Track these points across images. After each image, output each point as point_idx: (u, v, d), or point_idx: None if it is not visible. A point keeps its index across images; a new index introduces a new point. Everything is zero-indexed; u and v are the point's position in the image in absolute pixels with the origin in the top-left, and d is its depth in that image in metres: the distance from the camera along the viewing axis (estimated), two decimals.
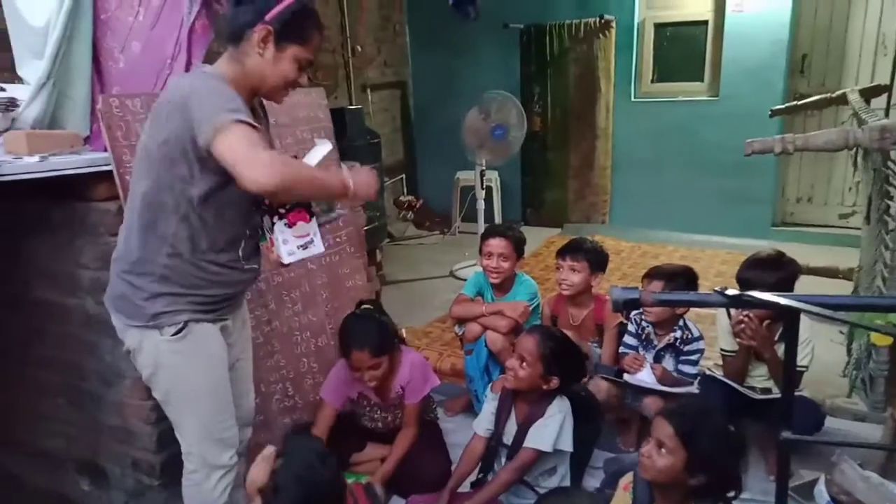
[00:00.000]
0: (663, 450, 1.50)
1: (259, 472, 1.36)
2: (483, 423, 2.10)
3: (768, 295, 1.17)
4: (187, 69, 2.13)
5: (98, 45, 2.16)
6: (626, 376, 2.26)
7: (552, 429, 1.94)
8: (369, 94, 5.62)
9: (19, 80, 2.13)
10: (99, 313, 2.09)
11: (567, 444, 1.96)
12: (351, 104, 4.96)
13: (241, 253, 1.63)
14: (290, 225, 1.56)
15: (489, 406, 2.11)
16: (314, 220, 1.60)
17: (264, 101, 1.71)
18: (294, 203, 1.57)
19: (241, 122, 1.38)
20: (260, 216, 1.62)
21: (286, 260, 1.59)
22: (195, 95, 1.42)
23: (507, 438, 2.05)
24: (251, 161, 1.35)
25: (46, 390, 2.35)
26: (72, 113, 2.14)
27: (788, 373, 1.26)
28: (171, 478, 2.16)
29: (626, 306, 1.28)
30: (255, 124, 1.43)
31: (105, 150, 1.95)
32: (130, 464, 2.21)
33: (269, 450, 1.41)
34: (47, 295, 2.22)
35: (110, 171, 1.93)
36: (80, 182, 1.97)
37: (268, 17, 1.48)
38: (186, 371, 1.61)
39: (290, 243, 1.57)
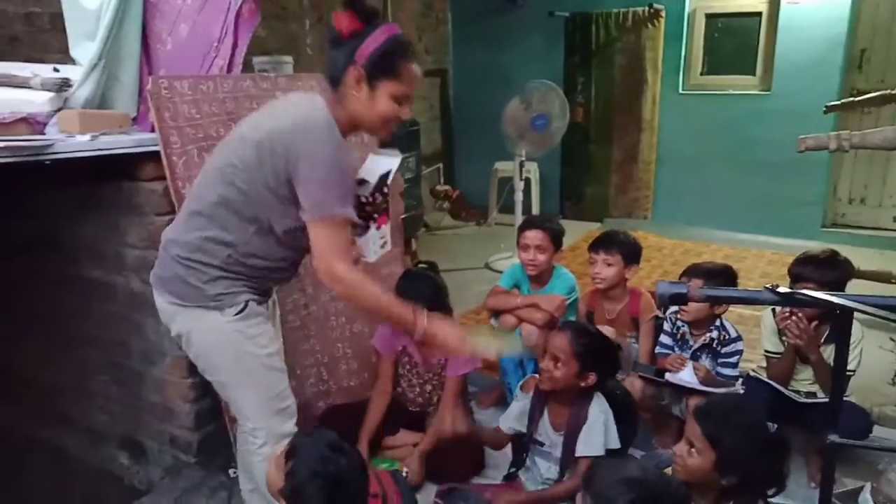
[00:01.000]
0: (693, 450, 1.49)
1: (273, 475, 1.36)
2: (510, 421, 2.08)
3: (822, 293, 1.13)
4: (233, 53, 2.15)
5: (147, 27, 2.20)
6: (667, 375, 2.20)
7: (599, 431, 1.92)
8: None
9: (72, 61, 2.18)
10: (144, 292, 2.13)
11: (615, 442, 1.94)
12: None
13: (295, 260, 1.71)
14: (378, 227, 1.75)
15: (518, 405, 2.08)
16: (389, 223, 1.79)
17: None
18: (382, 209, 1.73)
19: (342, 217, 1.49)
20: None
21: (371, 258, 1.78)
22: (312, 158, 1.46)
23: (542, 437, 2.02)
24: (327, 264, 1.50)
25: (92, 368, 2.42)
26: (121, 94, 2.18)
27: (838, 375, 1.22)
28: (207, 455, 2.22)
29: (672, 301, 1.25)
30: (356, 219, 1.56)
31: (152, 131, 1.99)
32: (168, 440, 2.27)
33: (278, 451, 1.41)
34: (94, 273, 2.28)
35: (157, 152, 1.96)
36: (127, 162, 2.01)
37: (358, 56, 1.49)
38: (248, 349, 1.63)
39: (376, 243, 1.76)
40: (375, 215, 1.71)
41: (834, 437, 1.23)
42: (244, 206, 1.54)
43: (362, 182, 1.70)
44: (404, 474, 2.06)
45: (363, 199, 1.68)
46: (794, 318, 2.05)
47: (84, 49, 2.13)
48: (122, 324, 2.26)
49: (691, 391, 2.17)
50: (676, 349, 2.32)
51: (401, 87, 1.54)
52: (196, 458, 2.22)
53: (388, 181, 1.72)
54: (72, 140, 1.84)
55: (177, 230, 1.62)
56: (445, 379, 2.28)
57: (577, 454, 1.92)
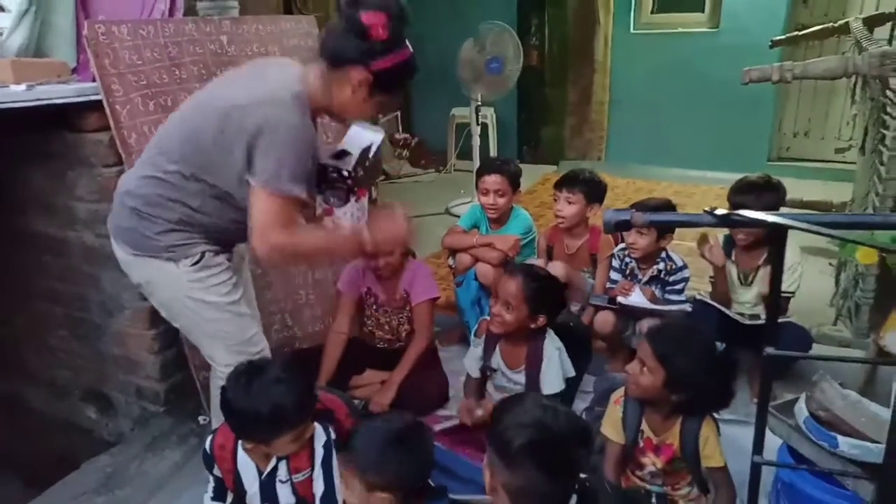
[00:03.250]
0: (645, 369, 1.57)
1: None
2: (473, 366, 2.13)
3: (756, 213, 1.19)
4: None
5: None
6: (619, 299, 2.30)
7: (556, 367, 1.99)
8: None
9: (1, 8, 2.07)
10: (98, 245, 2.11)
11: (570, 371, 2.03)
12: None
13: None
14: (357, 200, 1.76)
15: (476, 351, 2.14)
16: (367, 195, 1.81)
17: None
18: (361, 181, 1.73)
19: (289, 195, 1.45)
20: (324, 192, 1.73)
21: None
22: (274, 133, 1.44)
23: (498, 377, 2.10)
24: (264, 236, 1.47)
25: (51, 322, 2.40)
26: (57, 41, 2.09)
27: (774, 292, 1.29)
28: (176, 404, 2.24)
29: (617, 227, 1.30)
30: (306, 199, 1.52)
31: (94, 80, 1.92)
32: (135, 392, 2.28)
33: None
34: (46, 228, 2.24)
35: (100, 101, 1.90)
36: (70, 112, 1.95)
37: (374, 65, 1.49)
38: (208, 298, 1.64)
39: (354, 215, 1.77)
40: (356, 188, 1.73)
41: (771, 350, 1.31)
42: (203, 172, 1.53)
43: (344, 154, 1.72)
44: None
45: (345, 173, 1.70)
46: (708, 238, 2.23)
47: None
48: (79, 278, 2.23)
49: (643, 313, 2.27)
50: None
51: (391, 99, 1.61)
52: (164, 408, 2.24)
53: (370, 155, 1.74)
54: (5, 90, 1.77)
55: (134, 182, 1.60)
56: (412, 313, 2.35)
57: (545, 393, 2.00)
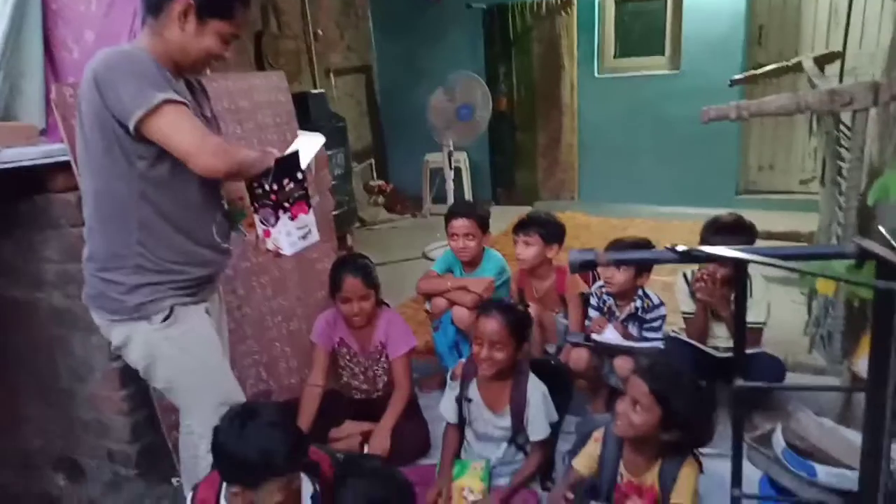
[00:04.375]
0: (638, 407, 1.55)
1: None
2: (450, 411, 2.11)
3: (716, 248, 1.22)
4: None
5: (50, 35, 2.14)
6: (593, 336, 2.31)
7: (542, 413, 1.99)
8: (333, 79, 5.58)
9: None
10: (67, 307, 2.08)
11: (554, 415, 2.03)
12: (315, 89, 4.93)
13: (214, 230, 1.63)
14: (293, 218, 1.59)
15: (452, 394, 2.12)
16: (311, 211, 1.65)
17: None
18: (295, 197, 1.58)
19: (171, 101, 1.38)
20: (257, 212, 1.61)
21: (289, 251, 1.62)
22: (115, 73, 1.39)
23: (477, 422, 2.07)
24: (200, 149, 1.39)
25: (19, 389, 2.33)
26: (25, 105, 2.11)
27: (739, 324, 1.31)
28: (148, 467, 2.18)
29: (582, 267, 1.32)
30: (183, 100, 1.43)
31: (62, 142, 1.93)
32: (106, 455, 2.22)
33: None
34: (12, 292, 2.20)
35: (68, 162, 1.90)
36: (37, 175, 1.95)
37: None
38: (184, 355, 1.60)
39: (293, 235, 1.61)
40: (286, 203, 1.57)
41: (740, 382, 1.33)
42: (110, 182, 1.48)
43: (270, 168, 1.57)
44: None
45: (267, 187, 1.54)
46: (703, 278, 2.20)
47: None
48: (48, 341, 2.18)
49: (617, 350, 2.28)
50: None
51: (230, 27, 1.50)
52: (136, 471, 2.18)
53: (303, 166, 1.60)
54: None
55: (87, 248, 1.60)
56: (389, 364, 2.33)
57: (532, 439, 2.00)
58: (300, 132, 1.64)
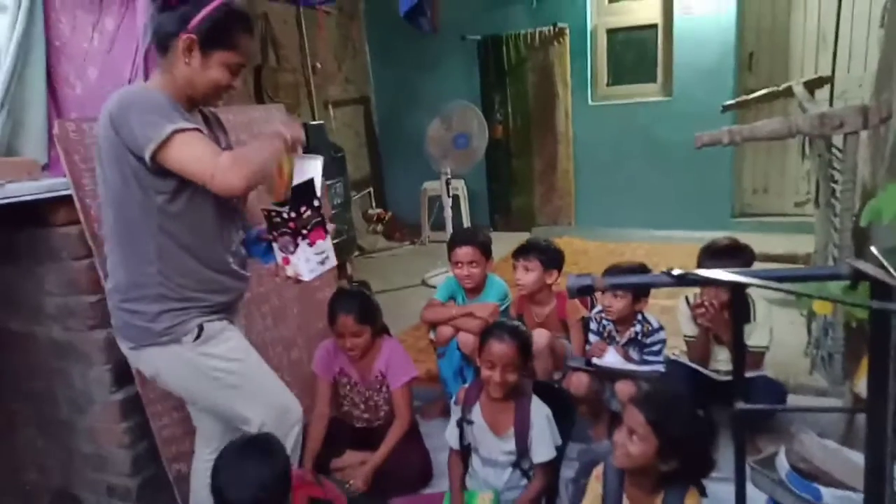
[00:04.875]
0: (635, 437, 1.52)
1: None
2: (454, 436, 2.10)
3: (712, 272, 1.23)
4: None
5: (53, 71, 2.17)
6: (594, 360, 2.32)
7: (546, 435, 1.98)
8: (332, 111, 5.66)
9: None
10: (67, 340, 2.08)
11: (558, 439, 2.02)
12: (314, 121, 5.00)
13: (231, 259, 1.66)
14: (311, 244, 1.63)
15: (455, 419, 2.11)
16: (328, 236, 1.68)
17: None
18: (313, 223, 1.62)
19: (182, 130, 1.41)
20: (276, 240, 1.65)
21: (308, 277, 1.66)
22: (128, 110, 1.44)
23: (481, 447, 2.07)
24: (216, 169, 1.41)
25: (18, 422, 2.32)
26: (28, 141, 2.13)
27: (738, 347, 1.32)
28: (149, 500, 2.15)
29: (580, 292, 1.33)
30: (195, 126, 1.47)
31: (64, 176, 1.95)
32: (106, 490, 2.19)
33: None
34: (13, 325, 2.20)
35: (70, 196, 1.92)
36: (39, 209, 1.96)
37: (189, 26, 1.47)
38: (220, 367, 1.61)
39: (312, 261, 1.64)
40: (304, 231, 1.61)
41: (741, 405, 1.33)
42: (127, 213, 1.52)
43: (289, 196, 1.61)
44: (348, 486, 2.08)
45: (285, 215, 1.59)
46: (705, 303, 2.20)
47: None
48: (47, 374, 2.18)
49: (618, 374, 2.28)
50: None
51: (235, 57, 1.54)
52: None
53: (317, 191, 1.63)
54: None
55: (110, 280, 1.62)
56: (390, 394, 2.32)
57: (536, 461, 1.99)
58: (297, 156, 1.64)
